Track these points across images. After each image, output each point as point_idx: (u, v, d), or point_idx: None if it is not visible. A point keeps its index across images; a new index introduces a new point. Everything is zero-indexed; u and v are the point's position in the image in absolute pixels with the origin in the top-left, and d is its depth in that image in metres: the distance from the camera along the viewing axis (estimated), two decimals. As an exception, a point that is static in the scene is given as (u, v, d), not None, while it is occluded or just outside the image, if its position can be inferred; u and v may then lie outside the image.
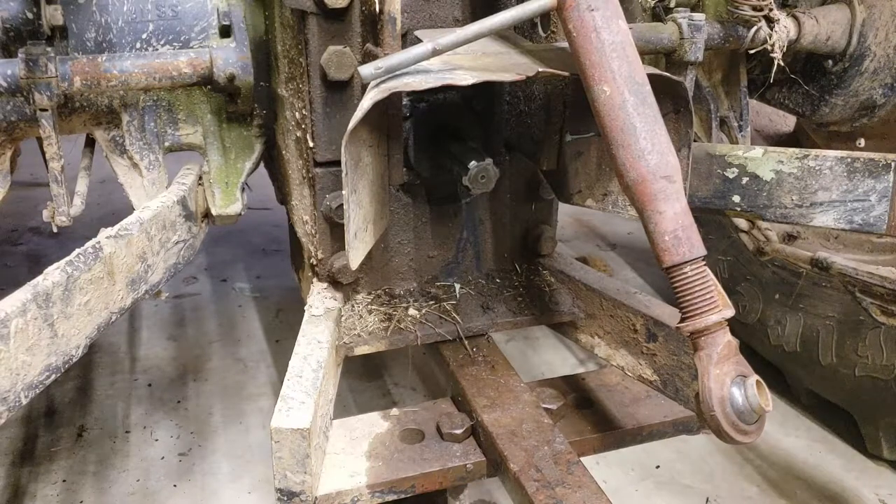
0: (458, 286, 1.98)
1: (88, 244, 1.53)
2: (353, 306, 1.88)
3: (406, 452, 1.62)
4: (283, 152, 1.96)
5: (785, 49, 2.10)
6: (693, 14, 1.87)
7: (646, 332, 1.78)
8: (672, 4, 2.03)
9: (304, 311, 1.78)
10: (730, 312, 1.30)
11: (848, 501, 2.42)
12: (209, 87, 1.87)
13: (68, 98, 1.80)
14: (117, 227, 1.63)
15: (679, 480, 2.49)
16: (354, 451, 1.62)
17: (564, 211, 3.87)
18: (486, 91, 1.77)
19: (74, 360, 1.47)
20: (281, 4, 1.74)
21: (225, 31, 1.92)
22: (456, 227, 1.96)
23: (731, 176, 1.82)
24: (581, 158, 1.80)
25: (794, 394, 2.79)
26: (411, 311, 1.88)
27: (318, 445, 1.50)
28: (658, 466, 2.54)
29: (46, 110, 1.69)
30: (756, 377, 1.29)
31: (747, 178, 1.80)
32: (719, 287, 1.31)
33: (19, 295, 1.33)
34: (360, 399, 2.85)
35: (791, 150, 1.78)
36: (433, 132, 1.80)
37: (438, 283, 1.98)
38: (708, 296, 1.30)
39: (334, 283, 1.86)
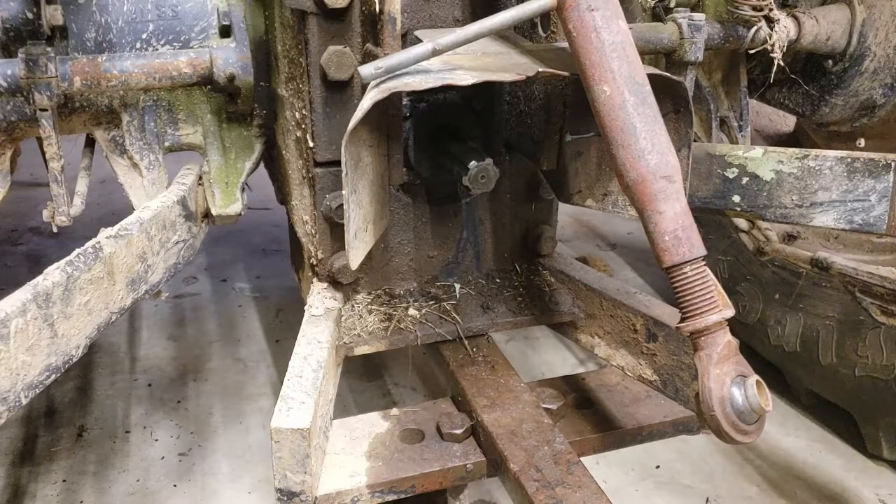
0: (458, 286, 1.98)
1: (88, 244, 1.53)
2: (353, 306, 1.88)
3: (406, 452, 1.62)
4: (283, 152, 1.96)
5: (785, 49, 2.10)
6: (693, 14, 1.87)
7: (646, 332, 1.78)
8: (672, 4, 2.03)
9: (304, 311, 1.78)
10: (730, 312, 1.30)
11: (848, 501, 2.42)
12: (209, 87, 1.87)
13: (68, 98, 1.80)
14: (117, 227, 1.63)
15: (679, 480, 2.49)
16: (354, 451, 1.62)
17: (564, 211, 3.87)
18: (486, 91, 1.77)
19: (74, 360, 1.47)
20: (281, 4, 1.74)
21: (225, 31, 1.92)
22: (456, 227, 1.96)
23: (731, 176, 1.82)
24: (581, 158, 1.80)
25: (794, 394, 2.79)
26: (411, 311, 1.88)
27: (318, 445, 1.50)
28: (658, 466, 2.54)
29: (46, 110, 1.69)
30: (756, 377, 1.29)
31: (747, 178, 1.80)
32: (719, 287, 1.31)
33: (19, 295, 1.33)
34: (360, 399, 2.85)
35: (791, 150, 1.78)
36: (433, 132, 1.80)
37: (438, 283, 1.98)
38: (708, 296, 1.30)
39: (334, 283, 1.86)
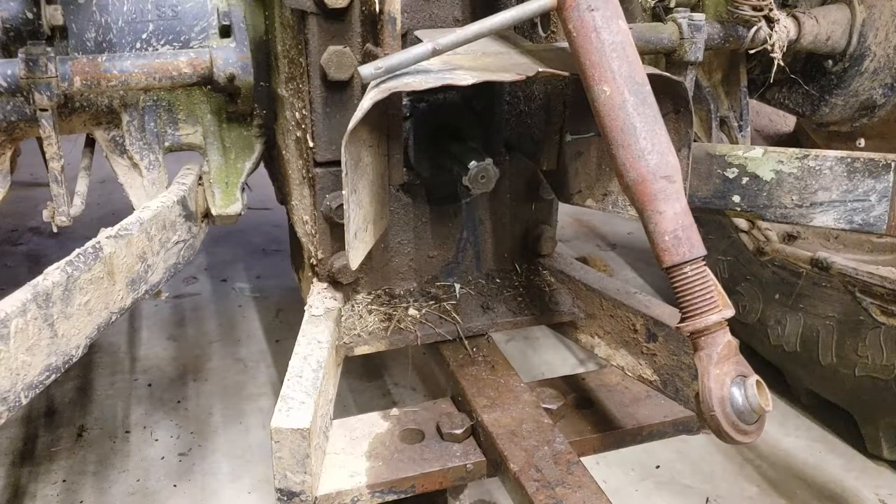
0: (458, 286, 1.98)
1: (88, 244, 1.53)
2: (353, 306, 1.88)
3: (406, 452, 1.62)
4: (283, 152, 1.96)
5: (785, 49, 2.10)
6: (693, 14, 1.87)
7: (646, 332, 1.78)
8: (672, 4, 2.03)
9: (304, 311, 1.78)
10: (730, 312, 1.30)
11: (848, 501, 2.42)
12: (209, 87, 1.87)
13: (68, 98, 1.80)
14: (117, 227, 1.63)
15: (679, 480, 2.49)
16: (354, 451, 1.62)
17: (564, 211, 3.87)
18: (486, 91, 1.77)
19: (74, 360, 1.47)
20: (281, 4, 1.74)
21: (225, 31, 1.92)
22: (456, 227, 1.96)
23: (731, 176, 1.82)
24: (581, 158, 1.80)
25: (794, 394, 2.79)
26: (411, 311, 1.88)
27: (318, 445, 1.50)
28: (658, 466, 2.54)
29: (46, 110, 1.69)
30: (756, 377, 1.29)
31: (747, 178, 1.80)
32: (719, 287, 1.31)
33: (19, 295, 1.33)
34: (360, 399, 2.85)
35: (791, 150, 1.78)
36: (433, 132, 1.80)
37: (438, 283, 1.98)
38: (708, 296, 1.30)
39: (334, 283, 1.86)
